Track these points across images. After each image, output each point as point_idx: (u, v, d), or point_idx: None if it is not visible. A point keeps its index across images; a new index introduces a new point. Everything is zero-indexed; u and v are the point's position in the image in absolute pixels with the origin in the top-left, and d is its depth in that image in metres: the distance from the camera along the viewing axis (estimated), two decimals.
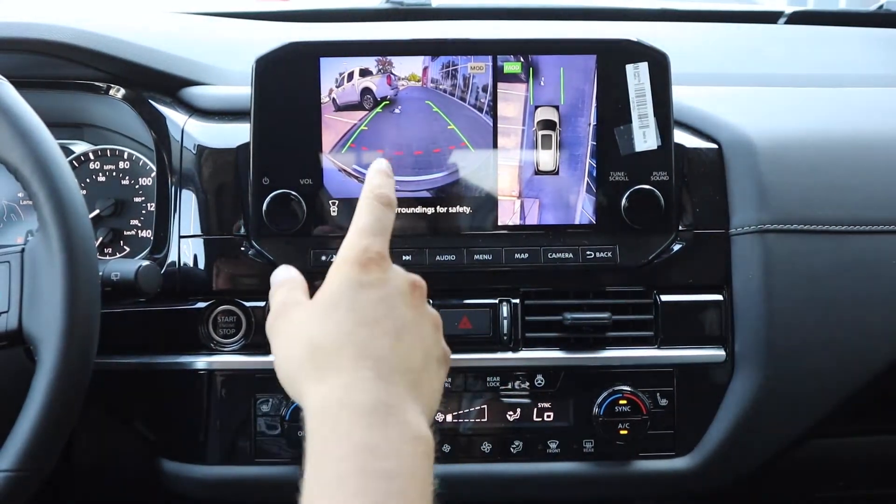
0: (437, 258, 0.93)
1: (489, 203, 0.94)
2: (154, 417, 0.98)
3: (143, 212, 1.08)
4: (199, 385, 0.94)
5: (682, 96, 0.99)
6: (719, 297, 0.95)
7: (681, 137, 0.97)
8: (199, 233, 0.95)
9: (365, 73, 0.92)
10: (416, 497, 0.53)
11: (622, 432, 0.92)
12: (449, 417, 0.94)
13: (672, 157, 0.93)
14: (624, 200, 0.93)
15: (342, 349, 0.58)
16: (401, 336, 0.60)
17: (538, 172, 0.94)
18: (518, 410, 0.95)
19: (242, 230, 0.94)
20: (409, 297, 0.63)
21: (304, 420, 0.56)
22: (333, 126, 0.92)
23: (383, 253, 0.64)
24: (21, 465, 0.72)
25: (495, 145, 0.93)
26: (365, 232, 0.65)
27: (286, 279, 0.71)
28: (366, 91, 0.92)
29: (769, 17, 1.49)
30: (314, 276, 0.91)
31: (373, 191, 0.67)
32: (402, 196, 0.93)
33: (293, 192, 0.91)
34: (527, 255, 0.94)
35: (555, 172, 0.94)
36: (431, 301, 0.92)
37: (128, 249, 1.07)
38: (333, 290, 0.62)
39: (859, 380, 0.94)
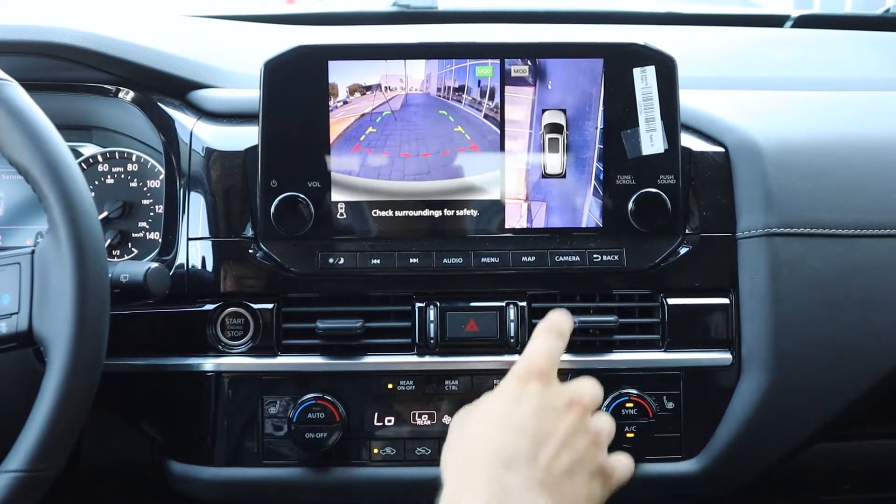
0: (445, 261, 0.94)
1: (496, 206, 0.94)
2: (162, 419, 0.98)
3: (152, 214, 1.08)
4: (207, 387, 0.94)
5: (689, 100, 0.99)
6: (726, 301, 0.95)
7: (688, 141, 0.97)
8: (207, 235, 0.95)
9: (373, 75, 0.92)
10: None
11: (629, 435, 0.92)
12: None
13: (679, 160, 0.93)
14: (631, 204, 0.93)
15: (484, 453, 0.68)
16: (544, 443, 0.69)
17: (545, 175, 0.94)
18: None
19: (250, 232, 0.95)
20: (563, 412, 0.72)
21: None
22: (341, 129, 0.93)
23: (545, 370, 0.75)
24: (32, 465, 0.73)
25: (502, 148, 0.93)
26: (531, 353, 0.78)
27: None
28: (373, 94, 0.93)
29: (776, 21, 1.49)
30: (321, 278, 0.94)
31: (551, 322, 0.81)
32: (408, 199, 0.94)
33: (301, 195, 0.92)
34: (534, 258, 0.94)
35: (562, 176, 0.94)
36: (439, 304, 0.93)
37: (136, 251, 1.08)
38: (493, 401, 0.75)
39: (866, 383, 0.94)
